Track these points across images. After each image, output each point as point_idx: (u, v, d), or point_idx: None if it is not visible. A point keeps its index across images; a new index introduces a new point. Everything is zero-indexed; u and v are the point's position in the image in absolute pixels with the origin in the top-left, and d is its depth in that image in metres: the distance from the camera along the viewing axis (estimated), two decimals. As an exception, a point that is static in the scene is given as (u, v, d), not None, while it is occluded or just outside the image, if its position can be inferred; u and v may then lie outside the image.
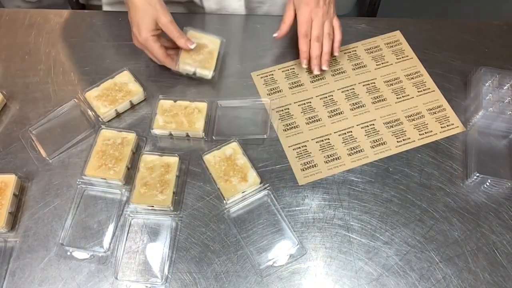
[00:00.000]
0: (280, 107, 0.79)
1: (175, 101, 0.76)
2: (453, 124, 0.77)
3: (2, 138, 0.75)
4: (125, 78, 0.79)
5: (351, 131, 0.76)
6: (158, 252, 0.65)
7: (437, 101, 0.79)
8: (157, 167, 0.69)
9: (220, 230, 0.67)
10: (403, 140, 0.75)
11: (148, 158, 0.71)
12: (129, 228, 0.66)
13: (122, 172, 0.69)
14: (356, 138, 0.75)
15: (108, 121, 0.77)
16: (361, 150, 0.74)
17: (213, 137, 0.75)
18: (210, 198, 0.69)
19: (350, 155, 0.74)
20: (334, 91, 0.81)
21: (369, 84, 0.82)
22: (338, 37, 0.82)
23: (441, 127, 0.76)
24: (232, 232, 0.66)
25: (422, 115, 0.78)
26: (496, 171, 0.71)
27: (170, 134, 0.75)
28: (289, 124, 0.77)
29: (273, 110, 0.78)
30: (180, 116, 0.74)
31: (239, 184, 0.68)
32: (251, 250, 0.65)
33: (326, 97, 0.80)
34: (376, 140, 0.75)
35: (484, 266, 0.64)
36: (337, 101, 0.80)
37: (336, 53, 0.82)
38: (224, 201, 0.68)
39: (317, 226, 0.67)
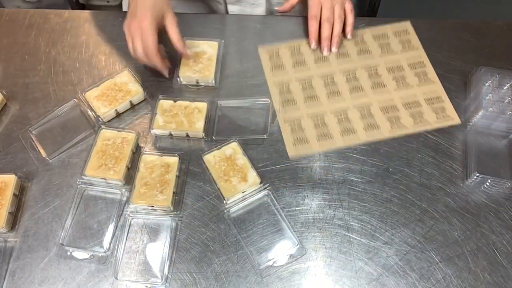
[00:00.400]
0: (281, 82, 0.81)
1: (175, 101, 0.76)
2: (449, 116, 0.77)
3: (2, 138, 0.75)
4: (125, 78, 0.79)
5: (347, 112, 0.78)
6: (158, 252, 0.65)
7: (436, 92, 0.80)
8: (157, 167, 0.69)
9: (220, 230, 0.67)
10: (397, 126, 0.76)
11: (148, 158, 0.70)
12: (129, 228, 0.66)
13: (122, 172, 0.69)
14: (351, 119, 0.77)
15: (108, 121, 0.77)
16: (354, 131, 0.76)
17: (213, 137, 0.75)
18: (210, 198, 0.69)
19: (342, 135, 0.75)
20: (336, 72, 0.82)
21: (371, 70, 0.83)
22: (350, 20, 0.83)
23: (437, 118, 0.77)
24: (232, 232, 0.66)
25: (420, 104, 0.78)
26: (496, 171, 0.71)
27: (170, 134, 0.75)
28: (288, 100, 0.79)
29: (273, 85, 0.80)
30: (180, 116, 0.74)
31: (239, 184, 0.68)
32: (251, 250, 0.65)
33: (327, 78, 0.82)
34: (370, 123, 0.76)
35: (484, 266, 0.64)
36: (337, 83, 0.81)
37: (349, 36, 0.84)
38: (224, 201, 0.68)
39: (317, 226, 0.67)
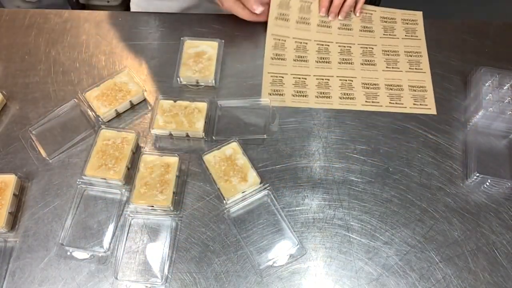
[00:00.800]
0: (278, 36, 0.84)
1: (175, 101, 0.76)
2: (426, 105, 0.78)
3: (2, 138, 0.75)
4: (125, 78, 0.79)
5: (329, 80, 0.80)
6: (158, 252, 0.65)
7: (422, 82, 0.81)
8: (157, 167, 0.69)
9: (220, 230, 0.67)
10: (372, 102, 0.78)
11: (148, 158, 0.71)
12: (129, 228, 0.66)
13: (122, 172, 0.69)
14: (330, 86, 0.80)
15: (108, 121, 0.77)
16: (329, 96, 0.78)
17: (213, 137, 0.75)
18: (210, 198, 0.69)
19: (317, 97, 0.78)
20: (332, 42, 0.85)
21: (366, 48, 0.85)
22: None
23: (414, 104, 0.78)
24: (232, 232, 0.66)
25: (402, 88, 0.80)
26: (496, 171, 0.71)
27: (170, 134, 0.75)
28: (279, 54, 0.83)
29: (271, 36, 0.84)
30: (180, 116, 0.75)
31: (239, 184, 0.68)
32: (251, 250, 0.65)
33: (323, 45, 0.84)
34: (347, 94, 0.79)
35: (484, 266, 0.64)
36: (330, 51, 0.84)
37: (357, 14, 0.87)
38: (224, 201, 0.68)
39: (317, 226, 0.67)
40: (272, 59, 0.82)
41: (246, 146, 0.73)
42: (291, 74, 0.81)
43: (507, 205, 0.69)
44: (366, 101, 0.78)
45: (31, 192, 0.70)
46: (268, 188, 0.69)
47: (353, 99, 0.78)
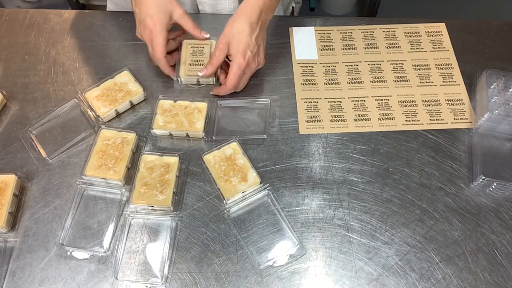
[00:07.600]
0: (306, 63, 0.83)
1: (175, 101, 0.76)
2: (467, 118, 0.77)
3: (2, 138, 0.75)
4: (125, 78, 0.79)
5: (364, 100, 0.79)
6: (158, 252, 0.65)
7: (459, 95, 0.80)
8: (157, 167, 0.69)
9: (220, 230, 0.67)
10: (412, 120, 0.77)
11: (148, 158, 0.71)
12: (129, 228, 0.66)
13: (122, 172, 0.69)
14: (367, 107, 0.78)
15: (108, 121, 0.77)
16: (368, 119, 0.77)
17: (213, 137, 0.75)
18: (210, 198, 0.69)
19: (356, 120, 0.77)
20: (361, 62, 0.84)
21: (397, 64, 0.84)
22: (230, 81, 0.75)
23: (454, 119, 0.77)
24: (232, 232, 0.66)
25: (439, 103, 0.79)
26: (502, 174, 0.71)
27: (170, 134, 0.75)
28: (309, 80, 0.81)
29: (298, 64, 0.83)
30: (180, 116, 0.75)
31: (239, 184, 0.68)
32: (251, 250, 0.65)
33: (352, 66, 0.83)
34: (386, 114, 0.77)
35: (484, 266, 0.64)
36: (360, 71, 0.83)
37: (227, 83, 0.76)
38: (224, 201, 0.68)
39: (317, 226, 0.67)
40: (303, 84, 0.81)
41: (246, 146, 0.73)
42: (325, 99, 0.79)
43: (507, 205, 0.69)
44: (406, 120, 0.76)
45: (31, 192, 0.70)
46: (268, 188, 0.69)
47: (392, 119, 0.77)
